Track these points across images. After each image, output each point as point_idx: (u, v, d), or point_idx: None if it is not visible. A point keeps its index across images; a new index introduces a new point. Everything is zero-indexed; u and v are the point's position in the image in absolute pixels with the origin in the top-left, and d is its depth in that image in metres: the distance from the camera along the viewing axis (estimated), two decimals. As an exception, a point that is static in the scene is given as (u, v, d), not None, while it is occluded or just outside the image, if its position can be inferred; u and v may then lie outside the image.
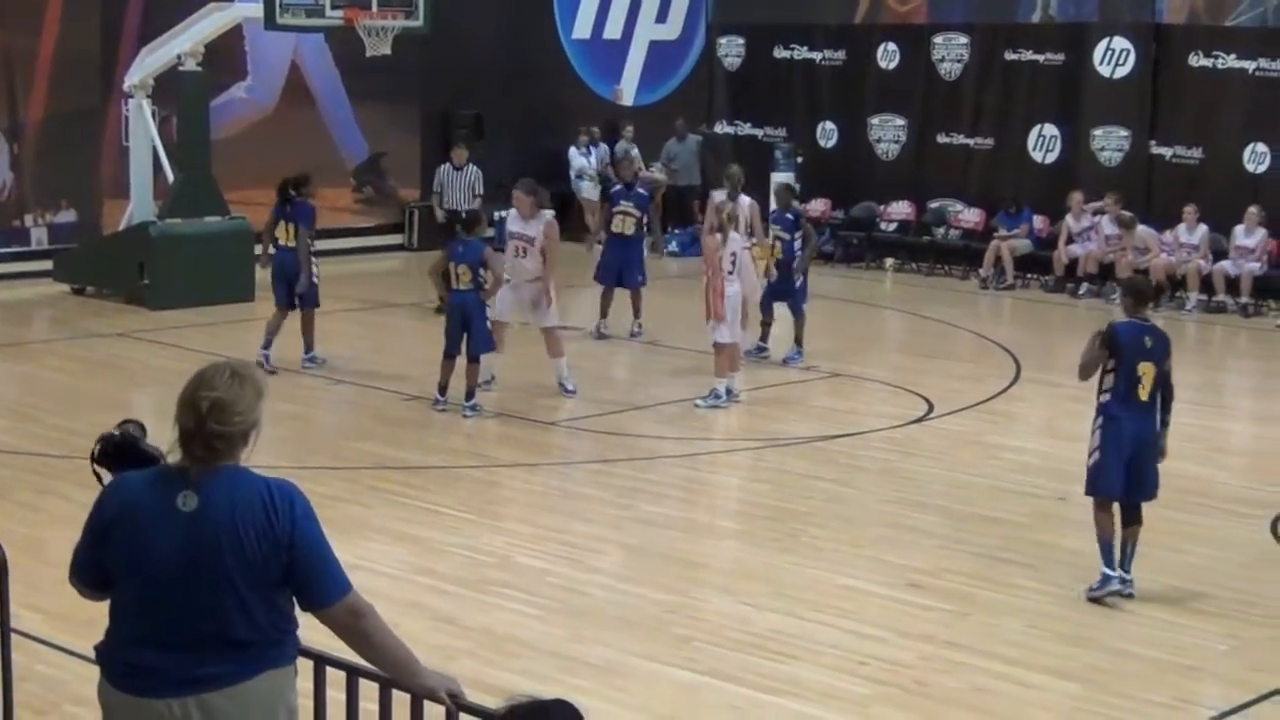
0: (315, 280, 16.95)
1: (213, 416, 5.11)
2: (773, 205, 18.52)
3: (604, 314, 19.34)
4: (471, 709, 5.34)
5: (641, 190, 19.87)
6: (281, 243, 16.95)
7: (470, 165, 21.78)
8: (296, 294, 16.81)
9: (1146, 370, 10.26)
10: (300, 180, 17.26)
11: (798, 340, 17.84)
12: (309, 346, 17.08)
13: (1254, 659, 9.54)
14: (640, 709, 8.57)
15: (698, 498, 13.35)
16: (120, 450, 5.61)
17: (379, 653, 5.31)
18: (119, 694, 5.22)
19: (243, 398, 5.17)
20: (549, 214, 16.26)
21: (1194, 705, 8.93)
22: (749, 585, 10.68)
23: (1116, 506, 10.44)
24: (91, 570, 5.30)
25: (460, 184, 21.59)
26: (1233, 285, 22.04)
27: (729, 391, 15.83)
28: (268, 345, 16.75)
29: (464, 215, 16.46)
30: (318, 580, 5.20)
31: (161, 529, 5.12)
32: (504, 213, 24.68)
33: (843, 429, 15.10)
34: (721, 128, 28.12)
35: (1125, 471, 10.29)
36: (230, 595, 5.10)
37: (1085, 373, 10.50)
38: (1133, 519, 10.47)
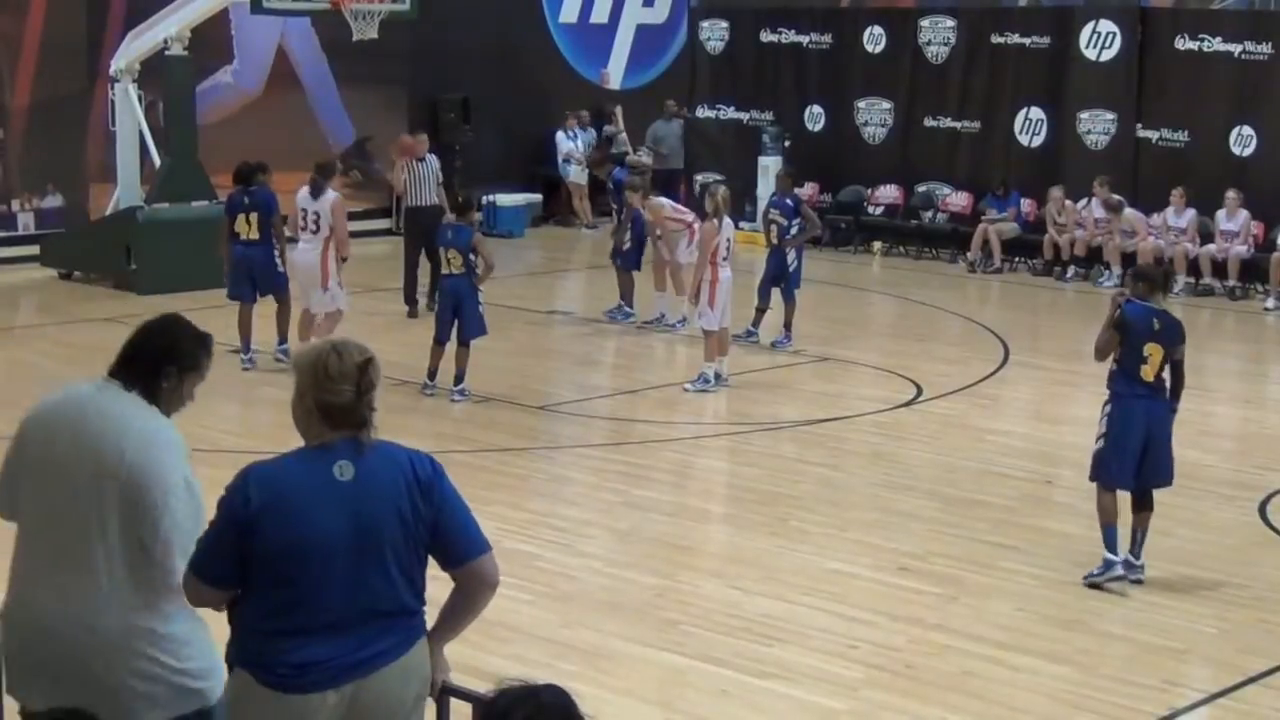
0: (281, 269, 16.38)
1: (367, 384, 5.19)
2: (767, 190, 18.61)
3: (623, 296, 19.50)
4: (459, 693, 5.34)
5: (617, 174, 19.94)
6: (244, 237, 16.23)
7: (430, 155, 19.88)
8: (266, 289, 16.30)
9: (1154, 351, 10.30)
10: (262, 166, 16.53)
11: (787, 324, 17.86)
12: (284, 337, 16.42)
13: (1243, 642, 9.56)
14: (629, 693, 8.58)
15: (686, 482, 13.35)
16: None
17: (461, 618, 5.42)
18: (281, 695, 5.10)
19: None
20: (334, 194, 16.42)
21: (1183, 688, 8.96)
22: (738, 569, 10.68)
23: (1121, 492, 10.48)
24: (231, 567, 5.14)
25: (423, 176, 19.67)
26: (1220, 268, 22.06)
27: (718, 376, 15.84)
28: (247, 348, 16.27)
29: (458, 200, 16.32)
30: (465, 537, 5.32)
31: (325, 503, 5.10)
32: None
33: (831, 413, 15.11)
34: (703, 111, 28.10)
35: (1137, 460, 10.30)
36: (394, 561, 5.16)
37: (1100, 355, 10.58)
38: (1144, 505, 10.50)
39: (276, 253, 16.37)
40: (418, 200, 19.76)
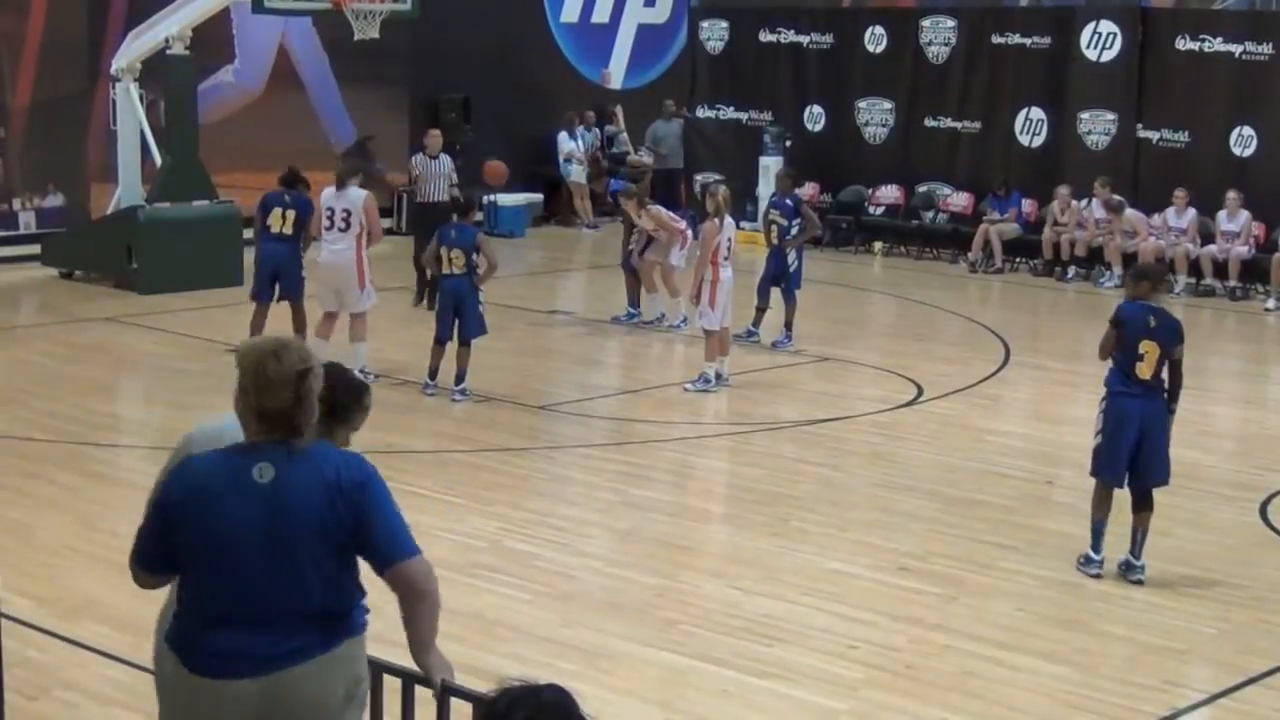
0: (303, 272, 16.38)
1: (305, 392, 5.19)
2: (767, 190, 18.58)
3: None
4: (459, 692, 5.33)
5: (614, 185, 20.04)
6: (275, 230, 16.13)
7: (444, 155, 20.34)
8: (285, 288, 16.22)
9: (1149, 349, 10.34)
10: (306, 181, 16.59)
11: (787, 324, 17.86)
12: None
13: (1243, 642, 9.56)
14: (628, 692, 8.58)
15: (687, 482, 13.35)
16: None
17: (420, 623, 5.37)
18: (198, 679, 5.20)
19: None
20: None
21: (1183, 688, 8.96)
22: (738, 569, 10.68)
23: (1118, 492, 10.56)
24: (161, 554, 5.28)
25: (436, 172, 20.06)
26: (1221, 269, 22.07)
27: (718, 376, 15.84)
28: None
29: (459, 201, 16.32)
30: (387, 541, 5.25)
31: (239, 502, 5.14)
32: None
33: (832, 413, 15.11)
34: (702, 111, 28.10)
35: (1130, 457, 10.36)
36: (310, 564, 5.15)
37: (1102, 353, 10.66)
38: (1143, 505, 10.55)
39: (303, 254, 16.34)
40: (427, 197, 19.95)
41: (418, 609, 5.34)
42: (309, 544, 5.14)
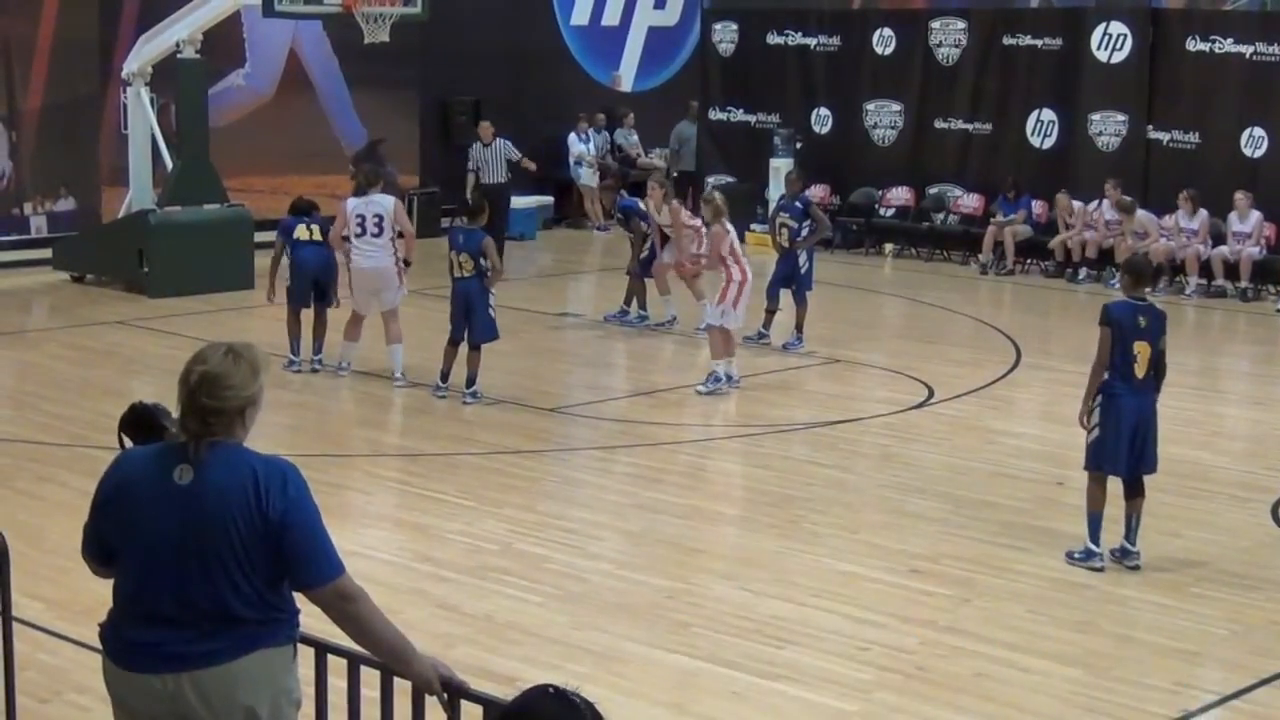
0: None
1: (203, 390, 5.12)
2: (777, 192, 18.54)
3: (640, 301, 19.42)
4: (467, 694, 5.32)
5: (624, 204, 20.20)
6: (304, 239, 16.16)
7: (498, 139, 23.31)
8: (323, 292, 16.27)
9: (1142, 349, 10.46)
10: (315, 204, 16.96)
11: (798, 326, 17.85)
12: (321, 347, 16.37)
13: (1255, 644, 9.54)
14: (640, 695, 8.57)
15: (698, 483, 13.33)
16: (141, 419, 5.68)
17: (370, 638, 5.26)
18: (117, 670, 5.24)
19: (236, 373, 5.15)
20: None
21: (1195, 690, 8.94)
22: (749, 571, 10.68)
23: (1110, 482, 10.64)
24: (95, 543, 5.33)
25: (494, 158, 23.21)
26: (1232, 270, 22.04)
27: (728, 376, 15.83)
28: (297, 351, 16.25)
29: (470, 204, 16.42)
30: (308, 561, 5.14)
31: (157, 501, 5.14)
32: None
33: (843, 415, 15.10)
34: (714, 114, 28.08)
35: (1128, 448, 10.45)
36: (222, 571, 5.09)
37: (1102, 361, 10.67)
38: (1135, 492, 10.66)
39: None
40: (489, 179, 22.87)
41: (359, 613, 5.20)
42: (221, 553, 5.07)
